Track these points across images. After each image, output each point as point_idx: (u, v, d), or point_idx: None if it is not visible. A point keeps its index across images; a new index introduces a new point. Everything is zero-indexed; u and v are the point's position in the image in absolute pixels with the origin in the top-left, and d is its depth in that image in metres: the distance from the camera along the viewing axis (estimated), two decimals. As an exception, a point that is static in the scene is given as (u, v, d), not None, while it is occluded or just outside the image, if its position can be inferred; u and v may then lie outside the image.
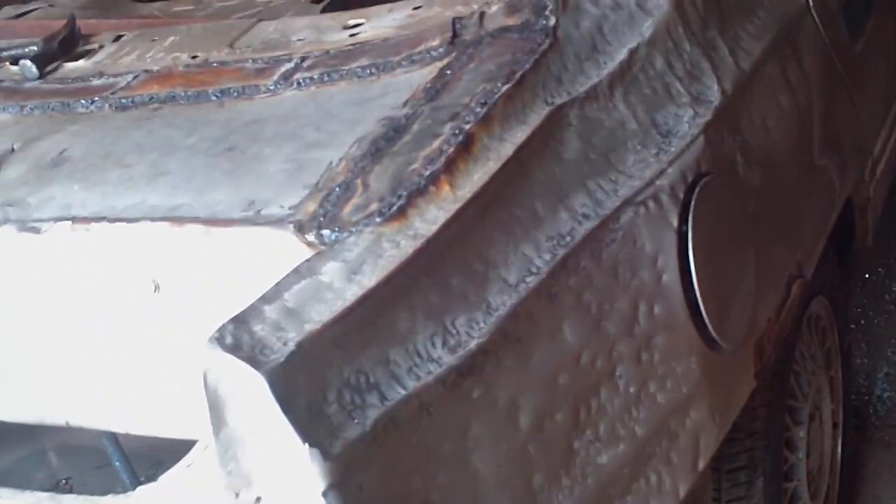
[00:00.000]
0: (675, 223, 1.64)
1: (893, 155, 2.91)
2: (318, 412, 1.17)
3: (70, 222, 1.54)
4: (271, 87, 1.80)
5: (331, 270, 1.30)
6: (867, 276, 3.50)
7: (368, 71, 1.76)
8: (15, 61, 2.06)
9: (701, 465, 1.66)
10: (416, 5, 1.96)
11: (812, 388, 2.31)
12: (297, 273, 1.30)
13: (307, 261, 1.33)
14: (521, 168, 1.51)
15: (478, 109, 1.54)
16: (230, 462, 1.19)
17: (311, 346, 1.20)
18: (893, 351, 3.24)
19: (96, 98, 1.90)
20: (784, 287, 1.97)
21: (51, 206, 1.60)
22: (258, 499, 1.19)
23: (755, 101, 1.97)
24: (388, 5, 2.00)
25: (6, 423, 1.64)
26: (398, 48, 1.80)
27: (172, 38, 2.08)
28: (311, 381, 1.19)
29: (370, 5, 2.02)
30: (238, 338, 1.19)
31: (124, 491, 1.40)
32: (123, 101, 1.87)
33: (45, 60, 2.07)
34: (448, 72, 1.67)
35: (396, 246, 1.35)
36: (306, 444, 1.14)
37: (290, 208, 1.45)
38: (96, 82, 1.96)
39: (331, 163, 1.52)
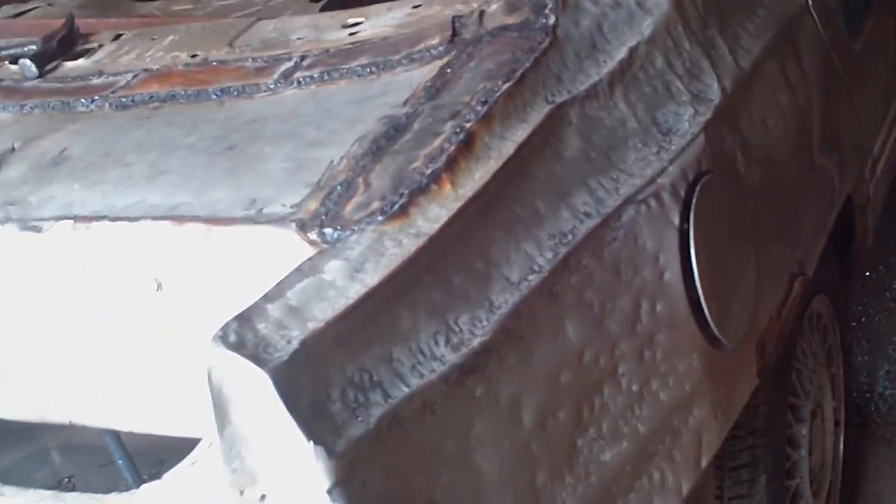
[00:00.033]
0: (677, 221, 1.64)
1: (893, 154, 2.91)
2: (321, 410, 1.17)
3: (71, 221, 1.53)
4: (271, 86, 1.80)
5: (333, 269, 1.30)
6: (867, 274, 3.51)
7: (368, 69, 1.76)
8: (14, 60, 2.06)
9: (704, 462, 1.66)
10: (416, 4, 1.96)
11: (814, 386, 2.31)
12: (300, 271, 1.30)
13: (310, 259, 1.33)
14: (523, 166, 1.51)
15: (478, 108, 1.54)
16: (235, 460, 1.19)
17: (315, 344, 1.20)
18: (894, 348, 3.25)
19: (96, 97, 1.89)
20: (785, 285, 1.97)
21: (52, 205, 1.59)
22: (263, 496, 1.19)
23: (755, 99, 1.98)
24: (388, 4, 2.00)
25: (9, 421, 1.64)
26: (398, 47, 1.80)
27: (171, 37, 2.08)
28: (314, 379, 1.18)
29: (369, 4, 2.02)
30: (242, 336, 1.19)
31: (127, 489, 1.40)
32: (123, 99, 1.87)
33: (45, 59, 2.06)
34: (448, 70, 1.67)
35: (399, 244, 1.35)
36: (311, 442, 1.14)
37: (291, 207, 1.45)
38: (96, 81, 1.96)
39: (332, 161, 1.52)
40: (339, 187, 1.46)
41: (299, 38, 1.94)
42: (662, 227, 1.62)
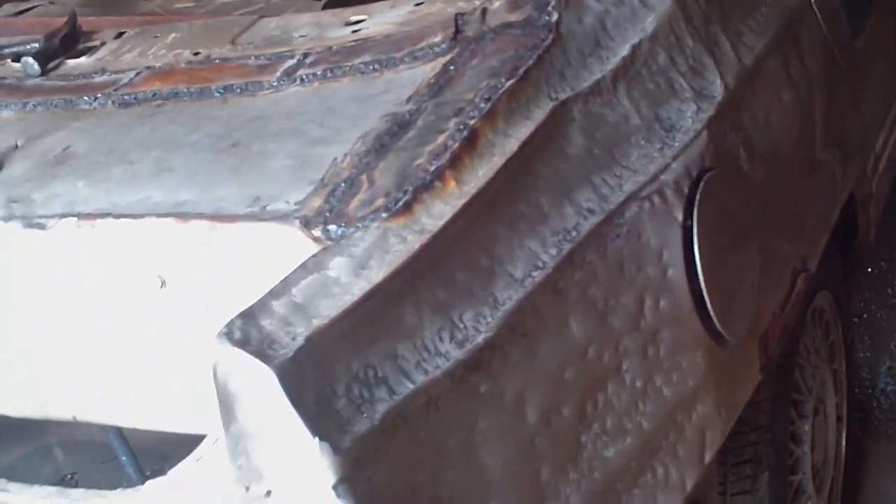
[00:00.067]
0: (680, 218, 1.64)
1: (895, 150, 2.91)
2: (327, 406, 1.17)
3: (75, 219, 1.53)
4: (274, 84, 1.79)
5: (338, 265, 1.30)
6: (870, 270, 3.51)
7: (371, 67, 1.76)
8: (17, 58, 2.06)
9: (707, 458, 1.66)
10: (418, 1, 1.96)
11: (816, 382, 2.31)
12: (305, 268, 1.30)
13: (314, 256, 1.33)
14: (526, 163, 1.51)
15: (482, 105, 1.54)
16: (240, 456, 1.19)
17: (320, 341, 1.20)
18: (896, 344, 3.26)
19: (99, 95, 1.89)
20: (788, 281, 1.97)
21: (56, 203, 1.59)
22: (268, 492, 1.19)
23: (758, 96, 1.98)
24: (390, 1, 2.00)
25: (12, 418, 1.64)
26: (400, 44, 1.79)
27: (174, 34, 2.08)
28: (319, 376, 1.19)
29: (371, 1, 2.02)
30: (247, 332, 1.19)
31: (130, 485, 1.40)
32: (126, 97, 1.87)
33: (47, 57, 2.06)
34: (451, 68, 1.67)
35: (403, 241, 1.35)
36: (316, 438, 1.14)
37: (295, 204, 1.45)
38: (99, 79, 1.96)
39: (335, 159, 1.52)
40: (343, 184, 1.46)
41: (302, 36, 1.94)
42: (666, 223, 1.62)
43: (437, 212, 1.40)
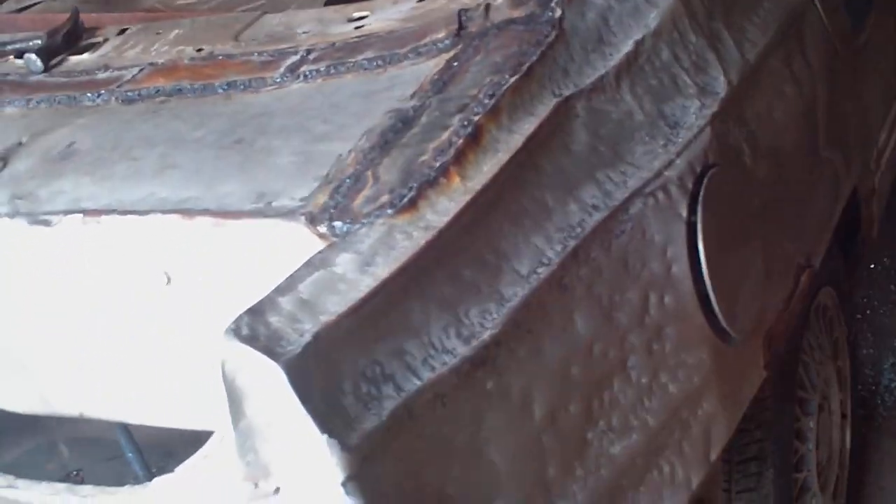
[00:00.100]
0: (685, 214, 1.64)
1: (898, 147, 2.91)
2: (334, 403, 1.17)
3: (81, 215, 1.53)
4: (278, 80, 1.79)
5: (344, 262, 1.30)
6: (872, 266, 3.51)
7: (375, 63, 1.76)
8: (19, 55, 2.06)
9: (713, 455, 1.66)
10: (421, -3, 1.96)
11: (820, 379, 2.31)
12: (311, 265, 1.30)
13: (320, 252, 1.33)
14: (531, 159, 1.51)
15: (486, 101, 1.54)
16: (249, 453, 1.19)
17: (328, 337, 1.20)
18: (899, 341, 3.25)
19: (102, 91, 1.89)
20: (792, 277, 1.97)
21: (61, 199, 1.59)
22: (277, 489, 1.19)
23: (761, 92, 1.98)
24: (392, -3, 2.00)
25: (19, 414, 1.64)
26: (404, 40, 1.79)
27: (176, 31, 2.07)
28: (327, 373, 1.19)
29: (373, -3, 2.02)
30: (254, 329, 1.19)
31: (137, 482, 1.40)
32: (130, 94, 1.86)
33: (50, 54, 2.06)
34: (455, 64, 1.67)
35: (409, 237, 1.35)
36: (325, 435, 1.14)
37: (300, 200, 1.44)
38: (102, 75, 1.96)
39: (340, 155, 1.52)
40: (347, 180, 1.46)
41: (305, 32, 1.94)
42: (670, 219, 1.62)
43: (442, 208, 1.39)
